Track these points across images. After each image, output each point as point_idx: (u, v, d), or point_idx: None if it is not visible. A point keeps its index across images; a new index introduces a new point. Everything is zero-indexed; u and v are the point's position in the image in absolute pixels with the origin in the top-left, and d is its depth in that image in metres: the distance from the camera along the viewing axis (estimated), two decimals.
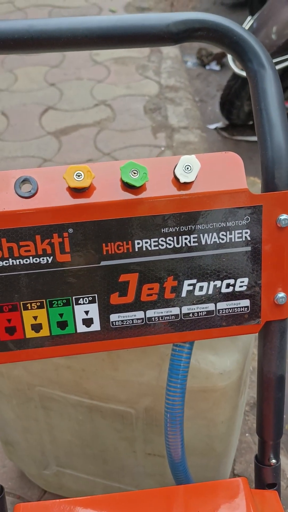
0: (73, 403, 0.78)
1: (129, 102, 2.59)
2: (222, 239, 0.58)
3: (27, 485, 1.07)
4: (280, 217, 0.57)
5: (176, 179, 0.55)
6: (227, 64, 3.28)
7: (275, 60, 2.20)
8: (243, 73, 2.32)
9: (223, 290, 0.60)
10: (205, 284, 0.59)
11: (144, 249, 0.57)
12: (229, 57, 2.36)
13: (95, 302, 0.58)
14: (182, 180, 0.55)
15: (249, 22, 2.39)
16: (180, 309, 0.60)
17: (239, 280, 0.60)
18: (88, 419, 0.80)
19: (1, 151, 2.26)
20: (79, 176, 0.53)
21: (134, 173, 0.54)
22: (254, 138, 2.60)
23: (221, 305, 0.61)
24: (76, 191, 0.54)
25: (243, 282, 0.60)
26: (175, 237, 0.57)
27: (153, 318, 0.60)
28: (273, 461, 0.70)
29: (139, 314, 0.59)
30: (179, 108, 2.55)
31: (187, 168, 0.54)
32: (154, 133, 2.36)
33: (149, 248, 0.57)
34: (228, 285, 0.60)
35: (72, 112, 2.52)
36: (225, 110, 2.55)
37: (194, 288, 0.59)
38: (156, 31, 0.57)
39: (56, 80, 2.80)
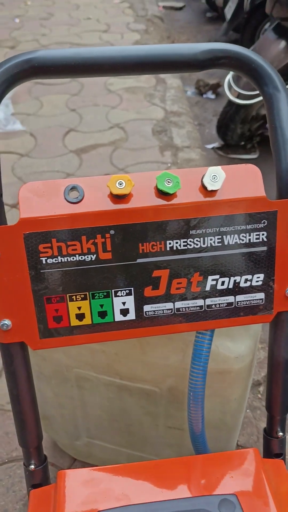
0: (105, 382, 0.76)
1: (139, 125, 2.58)
2: (242, 240, 0.57)
3: (59, 454, 1.05)
4: None
5: (203, 187, 0.54)
6: (222, 93, 3.27)
7: None
8: (237, 100, 2.31)
9: (242, 284, 0.59)
10: (226, 279, 0.58)
11: (174, 248, 0.56)
12: (225, 86, 2.34)
13: (131, 295, 0.57)
14: (209, 188, 0.53)
15: None
16: (204, 301, 0.59)
17: (255, 275, 0.59)
18: (117, 396, 0.78)
19: (30, 167, 2.25)
20: (121, 184, 0.52)
21: (168, 181, 0.53)
22: (246, 156, 2.59)
23: (240, 297, 0.60)
24: (117, 198, 0.53)
25: (259, 277, 0.59)
26: (201, 238, 0.56)
27: (180, 309, 0.59)
28: (280, 433, 0.69)
29: (169, 305, 0.58)
30: (182, 131, 2.53)
31: (214, 178, 0.53)
32: (161, 151, 2.35)
33: (179, 248, 0.56)
34: (246, 280, 0.59)
35: (91, 133, 2.51)
36: (221, 132, 2.54)
37: (217, 283, 0.58)
38: (185, 59, 0.56)
39: (76, 106, 2.79)
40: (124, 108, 2.76)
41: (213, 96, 3.26)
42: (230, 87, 2.23)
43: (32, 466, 0.65)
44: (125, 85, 3.02)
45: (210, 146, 2.67)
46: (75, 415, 0.86)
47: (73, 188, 0.53)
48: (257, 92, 2.25)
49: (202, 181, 0.54)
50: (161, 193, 0.54)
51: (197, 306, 0.59)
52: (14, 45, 3.84)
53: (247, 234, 0.56)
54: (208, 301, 0.59)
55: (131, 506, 0.57)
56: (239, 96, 2.24)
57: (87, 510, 0.58)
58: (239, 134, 2.53)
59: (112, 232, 0.54)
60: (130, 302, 0.57)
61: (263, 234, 0.57)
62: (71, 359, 0.76)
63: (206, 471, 0.66)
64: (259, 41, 2.45)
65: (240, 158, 2.58)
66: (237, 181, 0.55)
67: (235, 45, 0.57)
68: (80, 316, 0.57)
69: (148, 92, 2.97)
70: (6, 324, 0.55)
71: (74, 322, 0.57)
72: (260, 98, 2.31)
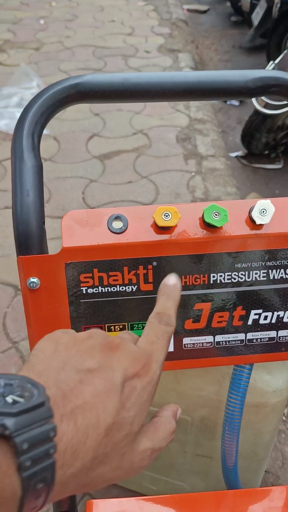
0: None
1: (163, 132, 2.57)
2: None
3: None
4: None
5: (251, 220, 0.53)
6: (245, 100, 3.24)
7: None
8: (264, 110, 2.29)
9: (285, 319, 0.57)
10: (269, 314, 0.57)
11: (218, 281, 0.54)
12: None
13: None
14: (258, 222, 0.52)
15: (271, 66, 2.35)
16: (246, 335, 0.57)
17: None
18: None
19: (53, 172, 2.25)
20: (167, 216, 0.51)
21: (216, 214, 0.51)
22: (270, 166, 2.56)
23: (282, 332, 0.58)
24: (162, 229, 0.52)
25: None
26: (246, 272, 0.54)
27: (221, 342, 0.57)
28: None
29: (209, 338, 0.57)
30: (206, 139, 2.52)
31: (263, 212, 0.52)
32: (185, 159, 2.33)
33: (223, 281, 0.54)
34: None
35: (114, 139, 2.50)
36: (245, 141, 2.51)
37: (259, 317, 0.57)
38: (236, 87, 0.54)
39: (100, 111, 2.79)
40: (148, 114, 2.75)
41: (237, 103, 3.23)
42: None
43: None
44: None
45: (233, 154, 2.65)
46: None
47: (117, 217, 0.52)
48: (285, 102, 2.22)
49: (250, 214, 0.52)
50: (207, 226, 0.52)
51: (238, 340, 0.57)
52: (38, 46, 3.86)
53: None
54: (250, 335, 0.57)
55: None
56: (266, 106, 2.21)
57: None
58: (263, 143, 2.51)
59: (154, 263, 0.53)
60: None
61: None
62: None
63: (238, 508, 0.64)
64: None
65: (264, 168, 2.56)
66: (285, 214, 0.54)
67: (285, 73, 0.56)
68: None
69: None
70: None
71: None
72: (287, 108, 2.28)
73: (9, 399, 0.26)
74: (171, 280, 0.42)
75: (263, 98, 2.18)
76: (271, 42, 3.24)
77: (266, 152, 2.62)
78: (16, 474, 0.24)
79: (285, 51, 2.43)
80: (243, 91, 0.54)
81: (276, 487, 0.67)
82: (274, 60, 2.43)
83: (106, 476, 0.30)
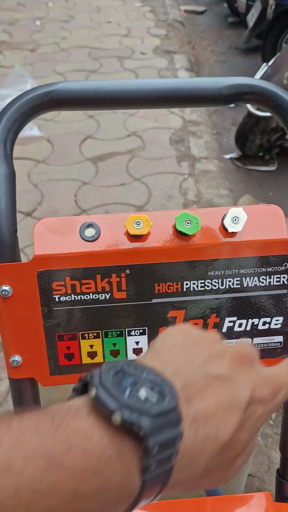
0: None
1: (157, 134, 2.57)
2: (262, 282, 0.55)
3: None
4: None
5: (224, 228, 0.53)
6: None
7: None
8: (257, 112, 2.29)
9: (260, 327, 0.57)
10: (244, 321, 0.57)
11: (191, 289, 0.54)
12: None
13: (145, 334, 0.56)
14: (230, 230, 0.52)
15: (264, 68, 2.35)
16: None
17: (274, 318, 0.57)
18: None
19: (46, 174, 2.25)
20: (138, 224, 0.51)
21: (188, 222, 0.51)
22: (264, 168, 2.56)
23: (257, 340, 0.58)
24: (135, 237, 0.52)
25: (278, 320, 0.57)
26: (220, 280, 0.54)
27: None
28: None
29: None
30: (200, 141, 2.52)
31: (235, 220, 0.52)
32: (179, 162, 2.33)
33: (196, 289, 0.54)
34: (264, 323, 0.57)
35: (108, 141, 2.51)
36: (239, 143, 2.52)
37: (234, 325, 0.57)
38: (210, 94, 0.54)
39: (94, 113, 2.79)
40: (142, 116, 2.75)
41: (232, 105, 3.23)
42: None
43: None
44: None
45: (227, 156, 2.65)
46: None
47: (89, 225, 0.52)
48: None
49: (222, 222, 0.52)
50: (180, 234, 0.52)
51: None
52: (34, 48, 3.86)
53: (267, 276, 0.55)
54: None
55: None
56: (260, 108, 2.21)
57: None
58: (257, 145, 2.51)
59: (127, 271, 0.53)
60: (144, 341, 0.56)
61: (284, 277, 0.55)
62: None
63: None
64: (283, 51, 2.43)
65: (258, 170, 2.56)
66: (259, 222, 0.54)
67: (261, 81, 0.56)
68: (92, 354, 0.56)
69: None
70: (16, 360, 0.54)
71: (86, 360, 0.56)
72: None
73: (142, 393, 0.25)
74: None
75: None
76: (266, 43, 3.25)
77: (260, 154, 2.62)
78: (139, 475, 0.24)
79: (278, 53, 2.44)
80: (217, 98, 0.54)
81: (255, 493, 0.67)
82: (268, 62, 2.44)
83: (203, 485, 0.30)
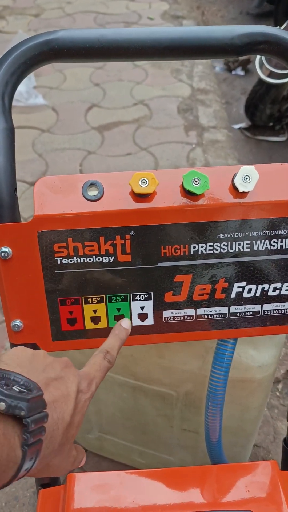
0: (120, 382, 0.74)
1: (164, 102, 2.50)
2: (274, 246, 0.53)
3: None
4: None
5: (234, 188, 0.50)
6: (251, 69, 3.15)
7: None
8: (269, 79, 2.21)
9: (270, 293, 0.55)
10: (253, 287, 0.55)
11: (199, 252, 0.52)
12: (257, 64, 2.24)
13: (151, 299, 0.54)
14: (241, 189, 0.49)
15: None
16: (229, 309, 0.55)
17: (285, 284, 0.55)
18: (132, 396, 0.76)
19: (51, 143, 2.21)
20: (144, 182, 0.48)
21: (196, 181, 0.48)
22: (274, 138, 2.49)
23: (267, 306, 0.56)
24: (140, 196, 0.50)
25: None
26: (229, 243, 0.52)
27: (203, 316, 0.55)
28: None
29: (190, 312, 0.55)
30: (208, 109, 2.45)
31: (246, 179, 0.49)
32: (186, 131, 2.28)
33: (205, 252, 0.52)
34: (275, 289, 0.55)
35: (114, 110, 2.44)
36: (249, 112, 2.44)
37: (243, 290, 0.55)
38: (221, 44, 0.51)
39: (100, 81, 2.72)
40: (149, 84, 2.68)
41: (242, 73, 3.13)
42: (261, 65, 2.13)
43: None
44: None
45: (237, 126, 2.58)
46: (88, 410, 0.84)
47: (92, 184, 0.50)
48: None
49: (233, 181, 0.50)
50: (188, 193, 0.50)
51: (220, 314, 0.55)
52: (38, 13, 3.75)
53: (279, 240, 0.52)
54: (233, 309, 0.55)
55: None
56: (271, 74, 2.14)
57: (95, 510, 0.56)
58: (268, 114, 2.43)
59: (132, 233, 0.50)
60: (149, 307, 0.54)
61: None
62: (86, 357, 0.73)
63: (221, 482, 0.64)
64: None
65: (267, 140, 2.49)
66: (271, 182, 0.51)
67: (275, 28, 0.52)
68: (96, 320, 0.54)
69: (175, 67, 2.87)
70: (17, 325, 0.53)
71: (89, 325, 0.54)
72: None
73: (16, 388, 0.34)
74: (126, 323, 0.53)
75: (267, 66, 2.10)
76: (279, 8, 3.12)
77: (271, 124, 2.55)
78: (20, 448, 0.33)
79: None
80: (228, 49, 0.51)
81: (261, 462, 0.66)
82: (280, 27, 2.34)
83: (60, 465, 0.41)
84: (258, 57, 2.16)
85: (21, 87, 2.55)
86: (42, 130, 2.32)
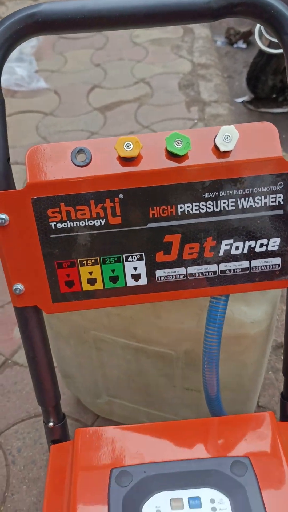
0: (122, 345, 0.77)
1: (165, 79, 2.49)
2: (258, 203, 0.55)
3: (83, 410, 1.09)
4: None
5: (216, 148, 0.52)
6: (253, 42, 3.10)
7: None
8: (268, 49, 2.18)
9: (257, 249, 0.57)
10: (240, 244, 0.57)
11: (186, 212, 0.54)
12: (256, 35, 2.21)
13: (143, 260, 0.56)
14: (222, 149, 0.51)
15: None
16: (218, 266, 0.58)
17: (271, 240, 0.57)
18: (134, 358, 0.79)
19: (54, 126, 2.23)
20: (128, 146, 0.50)
21: (178, 142, 0.50)
22: (278, 110, 2.47)
23: (255, 262, 0.58)
24: (126, 160, 0.52)
25: (275, 242, 0.57)
26: (214, 202, 0.54)
27: (193, 274, 0.58)
28: None
29: (181, 270, 0.57)
30: (209, 84, 2.43)
31: (227, 138, 0.51)
32: (188, 107, 2.27)
33: (191, 212, 0.54)
34: (261, 245, 0.57)
35: (115, 89, 2.44)
36: (251, 85, 2.42)
37: (231, 248, 0.57)
38: (197, 8, 0.52)
39: (101, 61, 2.71)
40: (150, 62, 2.66)
41: (244, 46, 3.09)
42: (260, 35, 2.10)
43: (51, 424, 0.68)
44: (151, 36, 2.90)
45: (239, 100, 2.56)
46: (94, 375, 0.88)
47: (80, 151, 0.52)
48: None
49: (214, 141, 0.51)
50: (171, 155, 0.52)
51: (210, 271, 0.58)
52: None
53: (263, 197, 0.54)
54: (222, 266, 0.58)
55: (144, 465, 0.59)
56: (271, 44, 2.11)
57: (101, 466, 0.60)
58: (270, 86, 2.41)
59: (121, 196, 0.53)
60: (141, 267, 0.57)
61: (279, 197, 0.54)
62: (88, 321, 0.77)
63: (221, 433, 0.67)
64: None
65: (271, 112, 2.47)
66: (252, 140, 0.53)
67: None
68: (92, 281, 0.57)
69: (175, 44, 2.85)
70: (18, 288, 0.56)
71: (86, 286, 0.57)
72: None
73: None
74: None
75: (266, 36, 2.08)
76: None
77: (273, 95, 2.52)
78: None
79: None
80: (205, 13, 0.52)
81: (259, 413, 0.69)
82: None
83: None
84: (257, 27, 2.13)
85: (23, 72, 2.56)
86: (45, 113, 2.33)
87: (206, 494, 0.55)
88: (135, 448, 0.63)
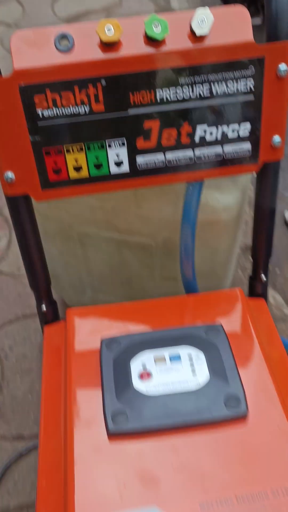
0: (105, 238, 0.83)
1: None
2: (230, 89, 0.59)
3: None
4: (280, 67, 0.58)
5: (192, 32, 0.55)
6: None
7: None
8: None
9: (229, 135, 0.62)
10: (214, 129, 0.61)
11: (164, 98, 0.58)
12: None
13: (124, 146, 0.61)
14: (198, 33, 0.54)
15: None
16: (194, 152, 0.62)
17: (242, 125, 0.62)
18: (117, 251, 0.86)
19: None
20: (109, 30, 0.53)
21: (156, 25, 0.53)
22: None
23: (227, 148, 0.63)
24: (107, 46, 0.54)
25: (246, 127, 0.62)
26: (190, 87, 0.58)
27: (171, 161, 0.62)
28: (263, 277, 0.77)
29: (160, 157, 0.62)
30: None
31: (202, 21, 0.54)
32: None
33: (169, 98, 0.58)
34: (233, 130, 0.62)
35: None
36: None
37: (205, 134, 0.61)
38: None
39: None
40: None
41: None
42: None
43: (44, 307, 0.75)
44: None
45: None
46: (80, 271, 0.94)
47: (64, 37, 0.54)
48: None
49: (190, 25, 0.54)
50: (150, 40, 0.54)
51: (187, 157, 0.63)
52: None
53: (235, 82, 0.58)
54: (198, 152, 0.63)
55: (130, 334, 0.67)
56: None
57: (92, 338, 0.68)
58: None
59: (103, 82, 0.56)
60: (123, 153, 0.61)
61: (250, 82, 0.58)
62: (73, 217, 0.82)
63: (197, 307, 0.75)
64: None
65: None
66: (226, 25, 0.56)
67: None
68: (78, 168, 0.61)
69: None
70: (10, 177, 0.60)
71: (73, 174, 0.62)
72: None
73: None
74: None
75: None
76: None
77: (244, 5, 2.44)
78: None
79: None
80: None
81: (229, 289, 0.78)
82: None
83: None
84: None
85: None
86: (9, 24, 2.21)
87: (185, 351, 0.64)
88: (121, 321, 0.71)
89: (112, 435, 0.55)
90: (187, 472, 0.52)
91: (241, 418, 0.56)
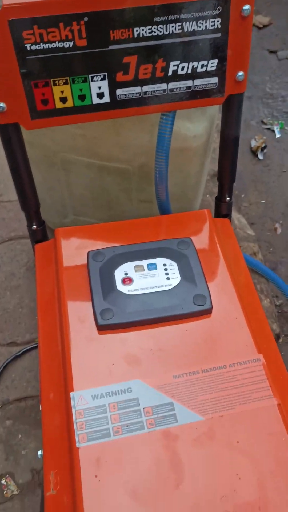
0: (86, 164, 0.91)
1: None
2: (200, 27, 0.65)
3: (51, 235, 1.26)
4: (244, 7, 0.64)
5: None
6: None
7: None
8: None
9: (199, 70, 0.69)
10: (185, 64, 0.68)
11: (141, 35, 0.64)
12: None
13: (105, 79, 0.67)
14: None
15: None
16: (167, 85, 0.70)
17: (210, 61, 0.69)
18: (98, 176, 0.94)
19: None
20: None
21: None
22: None
23: (197, 82, 0.70)
24: None
25: (213, 63, 0.69)
26: (164, 25, 0.64)
27: (148, 93, 0.70)
28: (228, 198, 0.87)
29: (138, 89, 0.69)
30: None
31: None
32: None
33: (145, 35, 0.64)
34: (202, 66, 0.69)
35: None
36: None
37: (177, 68, 0.68)
38: None
39: None
40: None
41: None
42: None
43: (34, 227, 0.84)
44: None
45: None
46: (63, 195, 1.03)
47: None
48: None
49: None
50: None
51: (161, 90, 0.70)
52: None
53: (204, 21, 0.64)
54: (171, 85, 0.70)
55: (113, 247, 0.77)
56: None
57: (80, 252, 0.78)
58: None
59: (86, 19, 0.61)
60: (104, 86, 0.68)
61: (218, 21, 0.65)
62: (56, 144, 0.89)
63: (170, 225, 0.86)
64: None
65: None
66: None
67: None
68: (64, 99, 0.68)
69: None
70: (1, 106, 0.66)
71: (59, 104, 0.68)
72: None
73: None
74: None
75: None
76: None
77: None
78: None
79: None
80: None
81: (198, 210, 0.88)
82: None
83: None
84: None
85: None
86: None
87: (160, 261, 0.75)
88: (105, 238, 0.81)
89: (101, 328, 0.67)
90: (163, 354, 0.65)
91: (207, 313, 0.69)
